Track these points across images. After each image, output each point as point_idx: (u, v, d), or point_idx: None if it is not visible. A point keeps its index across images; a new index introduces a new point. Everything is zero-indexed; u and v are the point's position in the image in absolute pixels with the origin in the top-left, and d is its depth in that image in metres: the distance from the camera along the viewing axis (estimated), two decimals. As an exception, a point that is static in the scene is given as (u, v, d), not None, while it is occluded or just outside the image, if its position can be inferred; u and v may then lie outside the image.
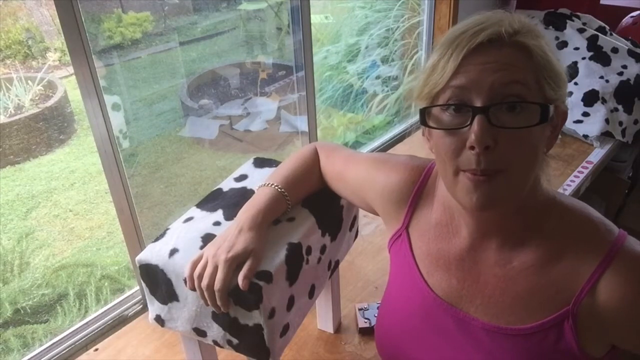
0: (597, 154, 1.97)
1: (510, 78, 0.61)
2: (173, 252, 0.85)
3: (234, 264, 0.77)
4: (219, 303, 0.78)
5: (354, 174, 0.91)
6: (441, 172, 0.69)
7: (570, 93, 2.08)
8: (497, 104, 0.61)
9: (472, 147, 0.62)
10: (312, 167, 0.96)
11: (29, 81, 2.81)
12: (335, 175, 0.94)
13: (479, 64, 0.62)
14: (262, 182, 0.92)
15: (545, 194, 0.72)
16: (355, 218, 1.09)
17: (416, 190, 0.82)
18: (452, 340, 0.77)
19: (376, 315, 1.23)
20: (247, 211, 0.85)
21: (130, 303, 1.35)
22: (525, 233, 0.71)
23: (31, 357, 1.21)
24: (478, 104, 0.62)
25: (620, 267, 0.65)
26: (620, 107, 2.02)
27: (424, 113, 0.67)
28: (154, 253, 0.86)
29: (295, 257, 0.85)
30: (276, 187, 0.88)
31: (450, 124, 0.64)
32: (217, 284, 0.77)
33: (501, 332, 0.72)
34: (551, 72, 0.64)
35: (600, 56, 2.12)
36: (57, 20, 1.02)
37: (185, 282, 0.81)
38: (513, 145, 0.62)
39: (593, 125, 2.00)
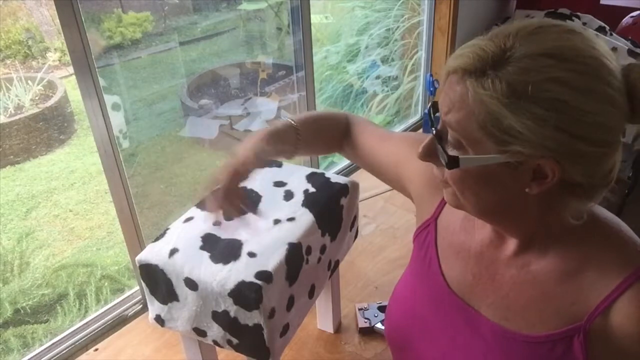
0: (597, 154, 1.96)
1: (450, 117, 0.62)
2: (173, 252, 0.85)
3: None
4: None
5: (393, 149, 0.90)
6: None
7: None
8: (437, 135, 0.65)
9: None
10: (336, 126, 0.96)
11: (29, 81, 2.80)
12: (373, 145, 0.93)
13: (446, 90, 0.63)
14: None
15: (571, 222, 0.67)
16: (355, 218, 1.09)
17: None
18: (459, 335, 0.76)
19: (376, 315, 1.23)
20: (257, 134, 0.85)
21: (130, 303, 1.35)
22: (549, 239, 0.69)
23: (31, 357, 1.21)
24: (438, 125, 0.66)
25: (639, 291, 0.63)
26: (620, 107, 2.02)
27: None
28: (154, 253, 0.86)
29: (295, 257, 0.85)
30: (291, 123, 0.88)
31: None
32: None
33: (508, 335, 0.71)
34: (499, 119, 0.57)
35: (600, 56, 2.12)
36: (57, 20, 1.02)
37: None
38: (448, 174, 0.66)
39: (593, 125, 2.00)
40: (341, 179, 1.04)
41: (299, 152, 0.90)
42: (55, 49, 3.00)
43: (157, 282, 0.86)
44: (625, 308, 0.63)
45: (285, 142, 0.88)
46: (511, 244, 0.72)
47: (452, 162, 0.63)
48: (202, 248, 0.85)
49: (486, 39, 0.60)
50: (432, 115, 0.68)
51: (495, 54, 0.58)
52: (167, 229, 0.91)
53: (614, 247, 0.67)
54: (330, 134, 0.96)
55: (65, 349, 1.24)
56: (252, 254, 0.83)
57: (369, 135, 0.94)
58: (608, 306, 0.64)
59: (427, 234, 0.83)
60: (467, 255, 0.76)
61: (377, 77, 2.82)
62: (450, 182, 0.66)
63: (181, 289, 0.84)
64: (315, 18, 2.79)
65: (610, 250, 0.67)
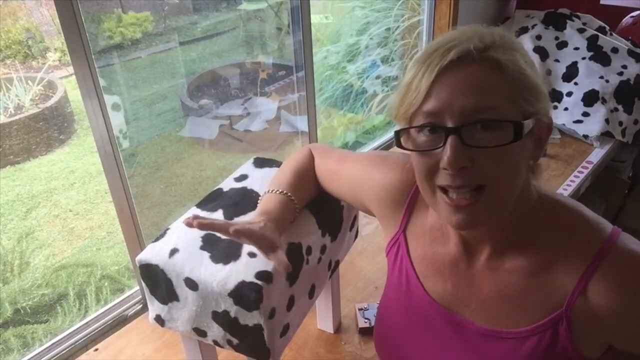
0: (597, 154, 1.97)
1: (481, 102, 0.60)
2: (173, 252, 0.85)
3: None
4: (195, 223, 0.76)
5: (348, 173, 0.90)
6: (421, 189, 0.69)
7: (570, 93, 2.08)
8: (469, 124, 0.61)
9: (445, 169, 0.62)
10: (310, 169, 0.95)
11: (29, 81, 2.80)
12: (330, 176, 0.93)
13: (450, 84, 0.61)
14: (266, 188, 0.90)
15: (536, 199, 0.70)
16: (355, 218, 1.09)
17: (413, 192, 0.82)
18: (449, 344, 0.77)
19: (376, 315, 1.23)
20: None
21: (130, 303, 1.35)
22: (517, 237, 0.70)
23: (31, 357, 1.21)
24: (450, 124, 0.61)
25: (610, 266, 0.64)
26: (620, 107, 2.02)
27: (399, 134, 0.67)
28: (154, 253, 0.86)
29: (296, 257, 0.85)
30: (283, 193, 0.87)
31: (425, 145, 0.64)
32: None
33: (497, 335, 0.72)
34: (527, 85, 0.62)
35: (600, 56, 2.12)
36: (57, 20, 1.02)
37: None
38: (491, 163, 0.61)
39: (593, 125, 2.00)
40: (341, 179, 1.04)
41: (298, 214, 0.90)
42: (55, 49, 3.00)
43: (157, 282, 0.86)
44: (600, 285, 0.65)
45: (288, 221, 0.87)
46: (483, 249, 0.73)
47: (518, 130, 0.61)
48: (202, 248, 0.85)
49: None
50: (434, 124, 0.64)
51: (484, 36, 0.63)
52: (167, 229, 0.91)
53: (579, 230, 0.69)
54: (311, 180, 0.94)
55: (65, 349, 1.24)
56: (252, 254, 0.83)
57: (327, 164, 0.94)
58: (584, 288, 0.66)
59: (398, 247, 0.83)
60: (442, 266, 0.77)
61: (377, 77, 2.82)
62: (498, 171, 0.62)
63: (181, 289, 0.84)
64: (315, 18, 2.79)
65: (576, 233, 0.68)
